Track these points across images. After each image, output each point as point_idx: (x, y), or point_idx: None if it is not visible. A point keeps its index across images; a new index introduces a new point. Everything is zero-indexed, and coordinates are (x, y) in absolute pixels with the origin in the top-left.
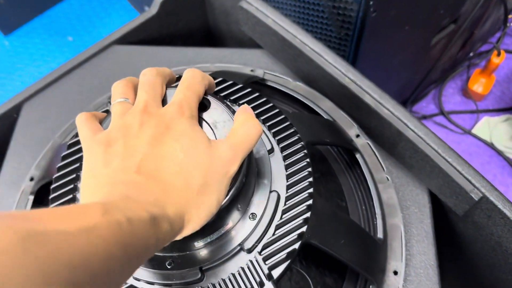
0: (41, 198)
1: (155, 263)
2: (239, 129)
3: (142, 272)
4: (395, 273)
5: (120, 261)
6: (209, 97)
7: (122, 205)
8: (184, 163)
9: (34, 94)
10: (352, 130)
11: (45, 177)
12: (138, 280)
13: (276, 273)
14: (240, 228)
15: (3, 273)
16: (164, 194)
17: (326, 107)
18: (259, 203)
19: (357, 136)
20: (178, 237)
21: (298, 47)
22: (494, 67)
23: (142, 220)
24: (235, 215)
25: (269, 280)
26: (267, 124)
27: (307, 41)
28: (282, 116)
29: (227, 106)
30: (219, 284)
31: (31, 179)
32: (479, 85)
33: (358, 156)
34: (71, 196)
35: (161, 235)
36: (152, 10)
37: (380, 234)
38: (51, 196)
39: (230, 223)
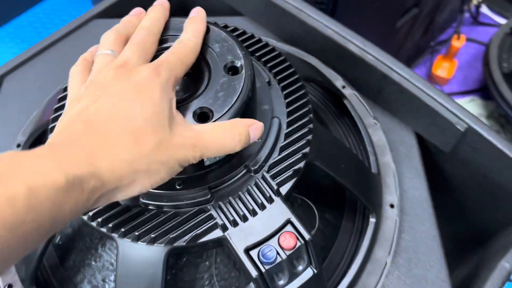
0: None
1: (164, 185)
2: (216, 135)
3: (151, 196)
4: (392, 206)
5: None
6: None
7: (36, 166)
8: (138, 126)
9: (14, 68)
10: (338, 82)
11: (33, 134)
12: (147, 204)
13: (284, 189)
14: (246, 151)
15: None
16: (102, 148)
17: (313, 62)
18: (264, 127)
19: (343, 87)
20: (120, 198)
21: (281, 6)
22: (455, 50)
23: (53, 184)
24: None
25: (277, 196)
26: (263, 59)
27: None
28: (277, 52)
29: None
30: (230, 203)
31: (18, 146)
32: (442, 70)
33: (346, 102)
34: None
35: (85, 198)
36: None
37: (374, 169)
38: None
39: None
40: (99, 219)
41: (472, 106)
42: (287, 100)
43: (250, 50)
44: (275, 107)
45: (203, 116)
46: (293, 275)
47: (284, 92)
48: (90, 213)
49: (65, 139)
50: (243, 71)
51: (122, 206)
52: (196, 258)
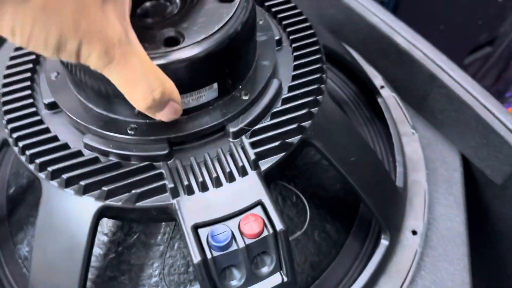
0: None
1: (115, 126)
2: (141, 61)
3: (96, 139)
4: (414, 232)
5: None
6: None
7: None
8: None
9: None
10: (377, 80)
11: None
12: (90, 147)
13: (265, 164)
14: (227, 105)
15: None
16: None
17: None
18: (256, 85)
19: (382, 87)
20: None
21: None
22: None
23: None
24: (222, 85)
25: (254, 170)
26: (279, 16)
27: None
28: (298, 11)
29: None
30: (190, 166)
31: None
32: None
33: (380, 101)
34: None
35: None
36: None
37: (399, 183)
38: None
39: (213, 92)
40: (28, 152)
41: None
42: (295, 63)
43: (266, 4)
44: (279, 68)
45: (170, 41)
46: (253, 277)
47: (295, 54)
48: (21, 144)
49: None
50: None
51: (59, 143)
52: (149, 237)
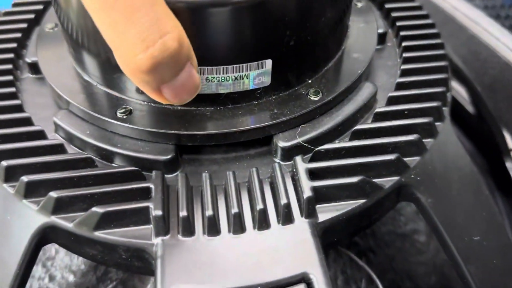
0: None
1: (98, 104)
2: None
3: (70, 118)
4: None
5: None
6: None
7: None
8: None
9: None
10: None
11: None
12: (60, 132)
13: (325, 212)
14: (283, 104)
15: None
16: None
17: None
18: (337, 84)
19: None
20: None
21: None
22: None
23: None
24: (281, 68)
25: (306, 218)
26: (388, 6)
27: None
28: (415, 4)
29: None
30: (200, 189)
31: None
32: None
33: (510, 166)
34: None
35: None
36: None
37: None
38: None
39: (263, 75)
40: None
41: None
42: (403, 67)
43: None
44: (376, 69)
45: None
46: None
47: (405, 55)
48: None
49: None
50: None
51: (22, 116)
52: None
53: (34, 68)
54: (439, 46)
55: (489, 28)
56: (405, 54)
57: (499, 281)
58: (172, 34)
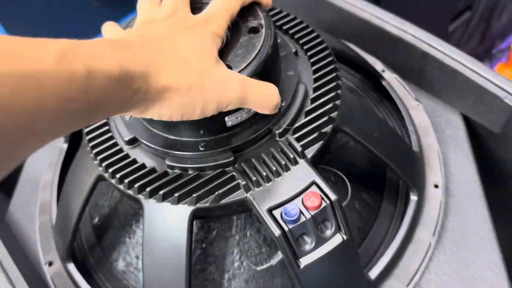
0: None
1: (189, 146)
2: (259, 84)
3: (176, 158)
4: (436, 186)
5: (50, 115)
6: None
7: (96, 52)
8: (187, 52)
9: None
10: (377, 66)
11: None
12: (172, 167)
13: (309, 152)
14: (269, 115)
15: None
16: (153, 56)
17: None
18: (287, 93)
19: (383, 71)
20: (153, 113)
21: None
22: None
23: (107, 72)
24: None
25: (302, 158)
26: (291, 31)
27: None
28: (304, 24)
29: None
30: (253, 166)
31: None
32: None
33: (384, 83)
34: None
35: (129, 92)
36: None
37: (415, 148)
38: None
39: None
40: (126, 181)
41: None
42: (314, 67)
43: (278, 24)
44: (301, 74)
45: None
46: (320, 240)
47: (311, 61)
48: (118, 175)
49: (122, 42)
50: (263, 29)
51: (148, 168)
52: (226, 231)
53: (131, 142)
54: (326, 48)
55: None
56: (311, 60)
57: (391, 151)
58: (274, 92)
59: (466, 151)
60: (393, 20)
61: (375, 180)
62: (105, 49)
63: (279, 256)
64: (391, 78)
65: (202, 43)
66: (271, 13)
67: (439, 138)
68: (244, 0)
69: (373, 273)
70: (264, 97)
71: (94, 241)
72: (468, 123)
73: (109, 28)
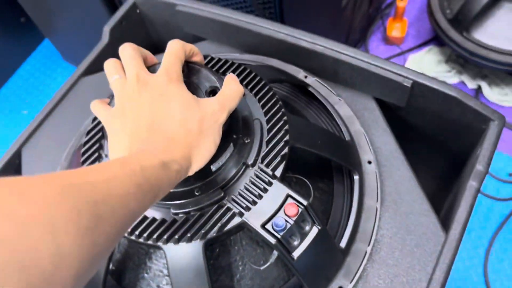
0: None
1: (186, 194)
2: (225, 89)
3: (179, 206)
4: (369, 162)
5: (135, 197)
6: (195, 65)
7: (138, 157)
8: (181, 119)
9: (28, 138)
10: (300, 74)
11: None
12: (177, 214)
13: (278, 172)
14: (240, 151)
15: (50, 213)
16: (171, 143)
17: (274, 64)
18: (248, 130)
19: (305, 77)
20: (190, 173)
21: (235, 24)
22: (402, 10)
23: (153, 166)
24: (234, 142)
25: (274, 179)
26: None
27: (240, 17)
28: (243, 67)
29: (211, 71)
30: (240, 195)
31: None
32: (396, 30)
33: (310, 89)
34: (97, 154)
35: (173, 174)
36: (104, 39)
37: (347, 137)
38: (83, 154)
39: (231, 148)
40: (144, 235)
41: (431, 55)
42: (261, 103)
43: (221, 71)
44: (253, 111)
45: None
46: (303, 235)
47: (257, 97)
48: (136, 232)
49: (145, 148)
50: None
51: (159, 220)
52: (226, 246)
53: None
54: (265, 85)
55: None
56: (257, 97)
57: (331, 147)
58: None
59: (384, 127)
60: (305, 36)
61: (324, 170)
62: (145, 152)
63: (274, 254)
64: (313, 82)
65: (180, 100)
66: (212, 62)
67: (361, 122)
68: (190, 48)
69: (343, 242)
70: (235, 93)
71: (114, 283)
72: (380, 103)
73: (98, 106)
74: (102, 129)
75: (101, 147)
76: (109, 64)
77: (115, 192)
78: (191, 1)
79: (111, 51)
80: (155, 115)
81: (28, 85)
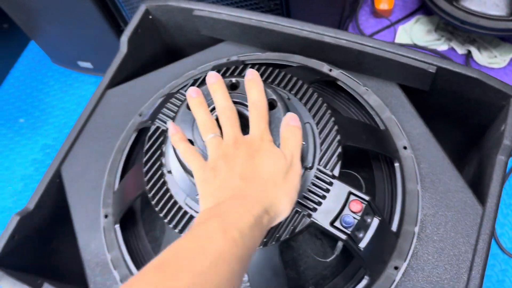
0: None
1: None
2: (290, 140)
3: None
4: (405, 148)
5: (238, 273)
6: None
7: (233, 211)
8: (273, 171)
9: (65, 156)
10: (324, 67)
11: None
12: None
13: (336, 172)
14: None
15: None
16: (262, 192)
17: (297, 60)
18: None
19: (330, 70)
20: (275, 223)
21: (257, 25)
22: None
23: (250, 225)
24: None
25: (334, 179)
26: (275, 82)
27: (262, 18)
28: (283, 73)
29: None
30: (304, 197)
31: (106, 216)
32: (383, 3)
33: (340, 83)
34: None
35: (264, 228)
36: (122, 49)
37: (382, 126)
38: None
39: None
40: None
41: (419, 24)
42: (307, 107)
43: (268, 80)
44: (302, 114)
45: None
46: (367, 227)
47: (303, 102)
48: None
49: (237, 194)
50: (278, 103)
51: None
52: (288, 242)
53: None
54: (309, 88)
55: None
56: (302, 101)
57: (374, 140)
58: None
59: (411, 112)
60: (328, 32)
61: (363, 160)
62: (240, 208)
63: (339, 247)
64: (339, 74)
65: (272, 156)
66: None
67: (390, 109)
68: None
69: (394, 226)
70: (296, 138)
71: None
72: (405, 89)
73: (192, 156)
74: (160, 147)
75: (162, 164)
76: (203, 120)
77: (222, 275)
78: (209, 5)
79: (130, 60)
80: (248, 166)
81: (20, 92)
